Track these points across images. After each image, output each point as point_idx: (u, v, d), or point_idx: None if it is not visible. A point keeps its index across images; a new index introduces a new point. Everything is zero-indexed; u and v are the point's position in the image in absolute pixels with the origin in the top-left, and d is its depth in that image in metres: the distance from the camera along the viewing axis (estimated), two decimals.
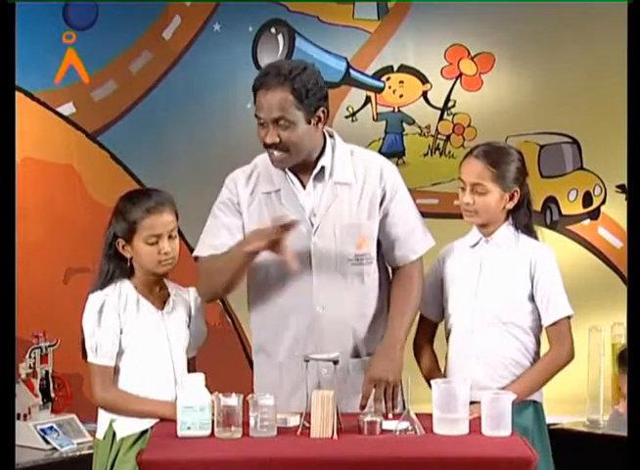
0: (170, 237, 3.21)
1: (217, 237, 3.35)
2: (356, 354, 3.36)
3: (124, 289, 3.20)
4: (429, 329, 3.49)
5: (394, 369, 3.27)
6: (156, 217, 3.19)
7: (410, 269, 3.40)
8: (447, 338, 3.44)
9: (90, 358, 3.17)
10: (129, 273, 3.22)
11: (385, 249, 3.41)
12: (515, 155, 3.39)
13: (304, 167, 3.33)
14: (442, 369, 3.44)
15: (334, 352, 3.11)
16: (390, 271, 3.46)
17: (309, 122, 3.24)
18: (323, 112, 3.27)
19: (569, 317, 3.34)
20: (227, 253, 3.27)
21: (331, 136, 3.39)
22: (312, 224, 3.31)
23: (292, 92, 3.19)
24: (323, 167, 3.32)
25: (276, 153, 3.24)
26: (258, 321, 3.42)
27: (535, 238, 3.43)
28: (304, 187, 3.33)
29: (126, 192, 3.30)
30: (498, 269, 3.36)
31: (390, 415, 3.18)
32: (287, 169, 3.32)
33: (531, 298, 3.34)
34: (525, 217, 3.41)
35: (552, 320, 3.33)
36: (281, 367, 3.37)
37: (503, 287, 3.34)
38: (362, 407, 3.20)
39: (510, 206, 3.37)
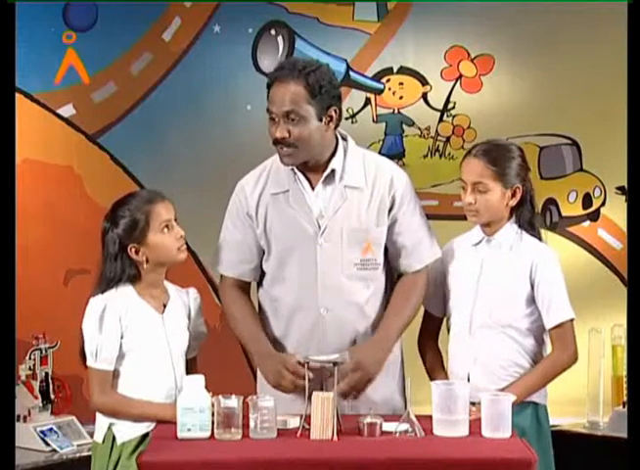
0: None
1: (234, 253, 3.40)
2: None
3: (125, 293, 3.19)
4: (432, 324, 3.48)
5: (379, 364, 3.27)
6: (160, 205, 3.19)
7: (414, 277, 3.40)
8: (449, 335, 3.44)
9: (89, 363, 3.16)
10: (134, 278, 3.20)
11: (391, 256, 3.40)
12: (515, 151, 3.37)
13: (315, 169, 3.32)
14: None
15: (335, 354, 3.11)
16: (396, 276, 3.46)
17: (320, 120, 3.23)
18: (335, 111, 3.26)
19: (571, 320, 3.32)
20: (243, 329, 3.39)
21: (344, 139, 3.38)
22: (319, 226, 3.31)
23: (305, 86, 3.18)
24: (334, 170, 3.32)
25: (285, 148, 3.23)
26: (264, 321, 3.43)
27: (539, 235, 3.41)
28: (313, 189, 3.33)
29: (114, 202, 3.24)
30: (498, 271, 3.35)
31: (348, 402, 3.22)
32: (297, 170, 3.32)
33: (531, 300, 3.32)
34: (528, 213, 3.38)
35: (553, 324, 3.31)
36: None
37: (502, 289, 3.33)
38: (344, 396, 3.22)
39: (513, 203, 3.35)
